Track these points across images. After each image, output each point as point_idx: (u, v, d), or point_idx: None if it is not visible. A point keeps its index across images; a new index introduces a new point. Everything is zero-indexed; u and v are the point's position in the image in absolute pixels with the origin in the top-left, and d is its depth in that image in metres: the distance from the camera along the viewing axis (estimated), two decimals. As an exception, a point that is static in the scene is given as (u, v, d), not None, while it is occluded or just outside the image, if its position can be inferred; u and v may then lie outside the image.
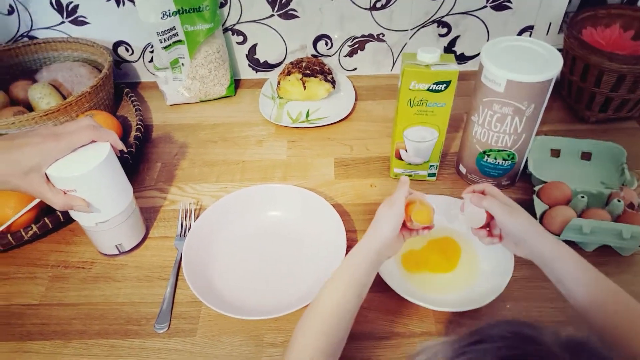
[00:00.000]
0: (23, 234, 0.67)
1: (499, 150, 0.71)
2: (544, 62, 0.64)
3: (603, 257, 0.66)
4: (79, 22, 0.94)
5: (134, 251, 0.70)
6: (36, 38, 0.95)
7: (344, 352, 0.57)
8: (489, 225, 0.59)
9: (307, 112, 0.92)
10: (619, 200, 0.66)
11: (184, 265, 0.63)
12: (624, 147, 0.77)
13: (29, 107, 0.86)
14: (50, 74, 0.91)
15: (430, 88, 0.66)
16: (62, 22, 0.94)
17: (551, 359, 0.30)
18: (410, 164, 0.77)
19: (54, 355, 0.58)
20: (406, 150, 0.75)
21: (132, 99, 0.92)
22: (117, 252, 0.68)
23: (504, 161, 0.72)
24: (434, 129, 0.71)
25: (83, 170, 0.57)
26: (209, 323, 0.61)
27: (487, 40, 0.88)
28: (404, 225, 0.57)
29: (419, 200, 0.57)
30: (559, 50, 0.71)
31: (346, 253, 0.64)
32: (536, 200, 0.70)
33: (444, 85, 0.66)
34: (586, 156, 0.79)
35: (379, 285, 0.62)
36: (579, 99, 0.86)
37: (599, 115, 0.86)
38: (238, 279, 0.65)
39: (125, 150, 0.64)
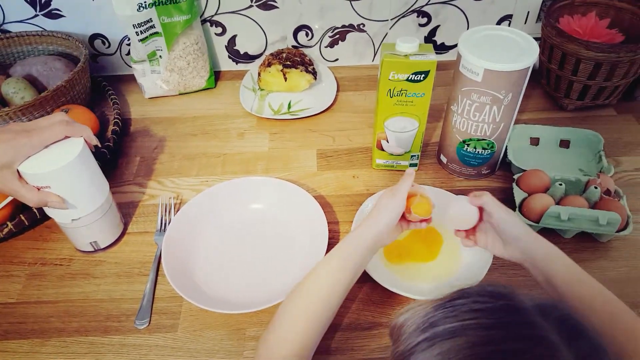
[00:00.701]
0: (-2, 232, 0.66)
1: (478, 140, 0.71)
2: (521, 51, 0.64)
3: (581, 243, 0.67)
4: (54, 15, 0.91)
5: (111, 248, 0.68)
6: (9, 32, 0.93)
7: (328, 343, 0.57)
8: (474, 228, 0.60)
9: (289, 104, 0.92)
10: (595, 187, 0.67)
11: (163, 260, 0.62)
12: (602, 135, 0.78)
13: (3, 102, 0.84)
14: (24, 69, 0.88)
15: (409, 78, 0.66)
16: (36, 15, 0.91)
17: (521, 313, 0.32)
18: (392, 154, 0.77)
19: (32, 354, 0.57)
20: (387, 141, 0.75)
21: (110, 92, 0.90)
22: (93, 249, 0.67)
23: (483, 150, 0.73)
24: (414, 119, 0.71)
25: (56, 166, 0.56)
26: (190, 318, 0.61)
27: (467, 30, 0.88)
28: (402, 216, 0.57)
29: (420, 194, 0.57)
30: (537, 39, 0.71)
31: (328, 245, 0.64)
32: (515, 188, 0.71)
33: (423, 75, 0.66)
34: (565, 144, 0.80)
35: (362, 276, 0.62)
36: (557, 87, 0.87)
37: (577, 103, 0.87)
38: (219, 273, 0.65)
39: (100, 145, 0.63)
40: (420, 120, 0.71)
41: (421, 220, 0.58)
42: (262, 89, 0.95)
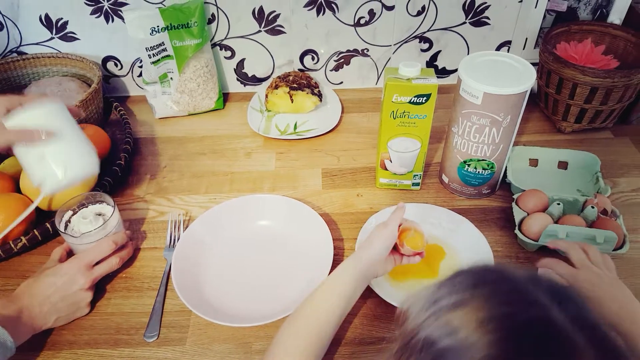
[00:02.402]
0: (12, 246, 0.68)
1: (478, 160, 0.74)
2: (519, 76, 0.67)
3: (580, 261, 0.69)
4: (69, 38, 0.95)
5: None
6: (25, 54, 0.96)
7: (333, 357, 0.59)
8: None
9: (295, 124, 0.94)
10: (593, 207, 0.69)
11: (173, 275, 0.64)
12: (599, 157, 0.80)
13: (18, 121, 0.87)
14: (39, 89, 0.91)
15: (412, 101, 0.69)
16: (52, 38, 0.95)
17: (514, 282, 0.34)
18: (395, 173, 0.79)
19: (44, 366, 0.59)
20: (391, 161, 0.77)
21: (121, 112, 0.93)
22: None
23: (483, 170, 0.75)
24: (417, 140, 0.74)
25: (42, 107, 0.61)
26: (199, 332, 0.62)
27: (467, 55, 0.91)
28: (396, 249, 0.60)
29: (414, 228, 0.60)
30: (535, 64, 0.74)
31: (333, 261, 0.65)
32: (515, 207, 0.73)
33: (425, 98, 0.69)
34: (563, 165, 0.82)
35: (366, 292, 0.64)
36: (555, 110, 0.90)
37: (575, 126, 0.89)
38: (227, 288, 0.66)
39: (83, 115, 0.67)
40: (422, 140, 0.74)
41: (414, 254, 0.61)
42: (269, 110, 0.98)
